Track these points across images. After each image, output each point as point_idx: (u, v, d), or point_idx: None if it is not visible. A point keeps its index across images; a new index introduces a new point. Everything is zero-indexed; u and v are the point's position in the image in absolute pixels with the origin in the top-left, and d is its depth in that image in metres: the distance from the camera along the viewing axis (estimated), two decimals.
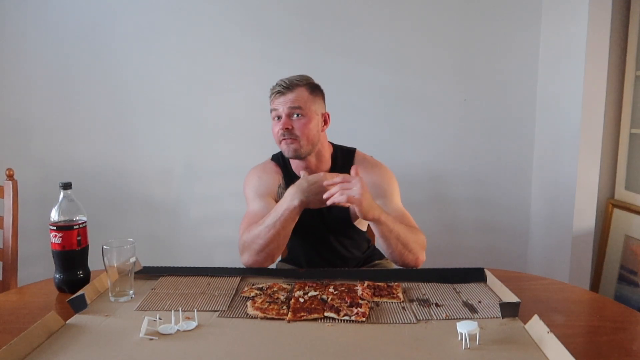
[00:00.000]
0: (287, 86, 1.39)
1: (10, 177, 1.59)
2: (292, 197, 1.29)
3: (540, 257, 2.36)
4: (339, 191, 1.21)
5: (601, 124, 2.05)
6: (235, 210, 2.23)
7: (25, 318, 1.01)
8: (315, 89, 1.44)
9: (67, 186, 1.16)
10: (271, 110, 1.42)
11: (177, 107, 2.31)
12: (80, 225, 1.16)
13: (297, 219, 1.31)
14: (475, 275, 1.22)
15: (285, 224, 1.29)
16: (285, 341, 0.91)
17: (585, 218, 2.10)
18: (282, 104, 1.38)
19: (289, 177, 1.48)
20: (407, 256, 1.32)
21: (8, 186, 1.58)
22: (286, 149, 1.40)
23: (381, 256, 1.64)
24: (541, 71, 2.31)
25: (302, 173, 1.37)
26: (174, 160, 2.34)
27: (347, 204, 1.21)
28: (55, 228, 1.14)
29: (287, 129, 1.37)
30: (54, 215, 1.15)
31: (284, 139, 1.38)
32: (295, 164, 1.48)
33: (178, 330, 0.95)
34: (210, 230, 2.37)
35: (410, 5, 2.26)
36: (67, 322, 0.99)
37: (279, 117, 1.39)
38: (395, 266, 1.60)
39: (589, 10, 1.96)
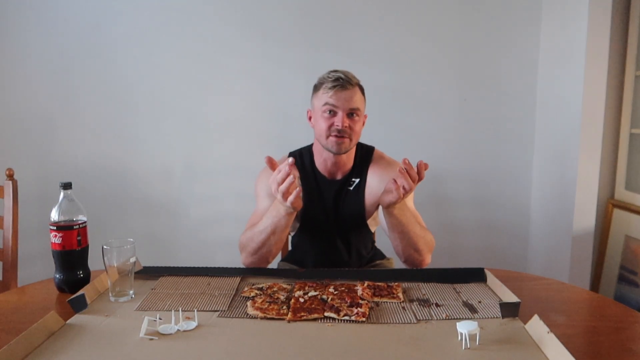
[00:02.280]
0: (348, 80, 1.37)
1: (10, 177, 1.59)
2: (278, 206, 1.25)
3: (540, 257, 2.36)
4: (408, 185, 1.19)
5: (601, 124, 2.05)
6: (235, 210, 2.24)
7: (25, 318, 1.01)
8: (363, 91, 1.44)
9: (67, 186, 1.16)
10: (324, 104, 1.37)
11: (178, 107, 2.31)
12: (80, 225, 1.16)
13: (289, 225, 1.29)
14: (476, 275, 1.22)
15: (274, 229, 1.28)
16: (285, 341, 0.91)
17: (585, 218, 2.10)
18: (343, 101, 1.36)
19: (305, 177, 1.47)
20: (413, 255, 1.34)
21: (8, 186, 1.58)
22: (335, 145, 1.37)
23: (382, 256, 1.65)
24: (541, 71, 2.31)
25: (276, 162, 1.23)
26: (174, 160, 2.34)
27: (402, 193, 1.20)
28: (55, 228, 1.14)
29: (345, 127, 1.36)
30: (54, 215, 1.15)
31: (336, 135, 1.36)
32: (321, 159, 1.46)
33: (178, 330, 0.95)
34: (210, 230, 2.37)
35: (410, 6, 2.26)
36: (67, 322, 0.99)
37: (332, 112, 1.37)
38: (395, 266, 1.60)
39: (589, 11, 1.96)
